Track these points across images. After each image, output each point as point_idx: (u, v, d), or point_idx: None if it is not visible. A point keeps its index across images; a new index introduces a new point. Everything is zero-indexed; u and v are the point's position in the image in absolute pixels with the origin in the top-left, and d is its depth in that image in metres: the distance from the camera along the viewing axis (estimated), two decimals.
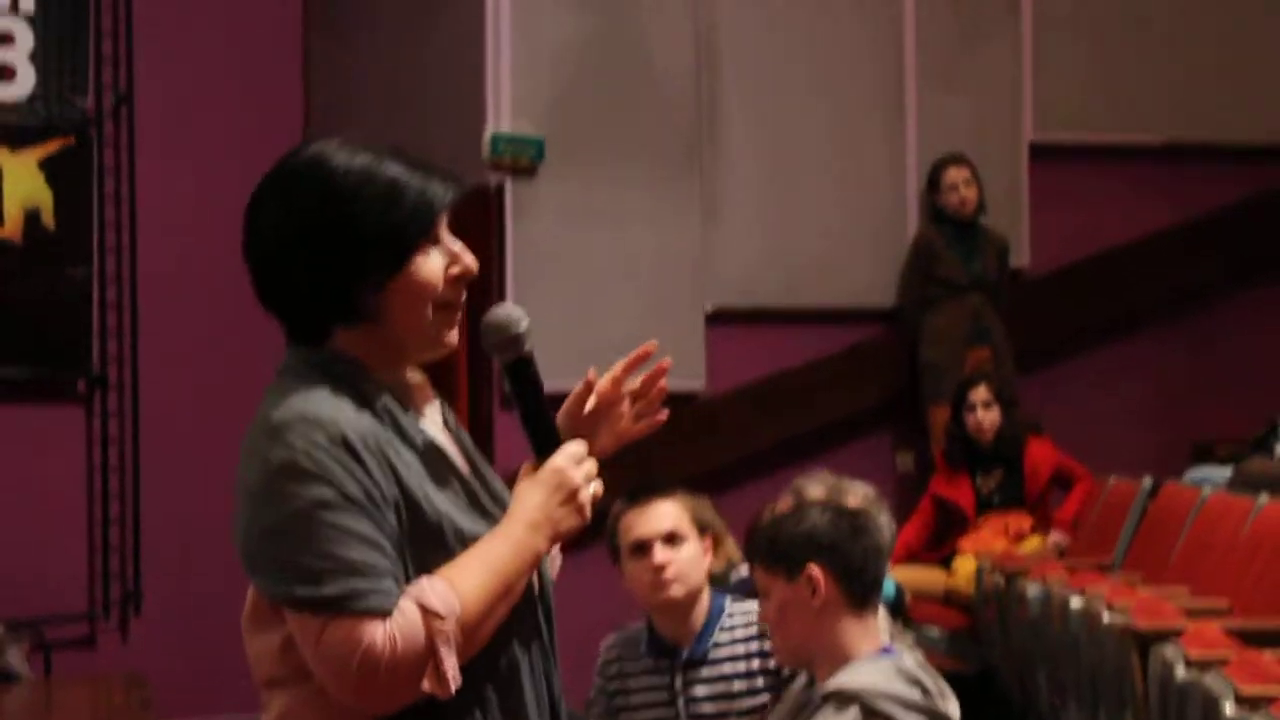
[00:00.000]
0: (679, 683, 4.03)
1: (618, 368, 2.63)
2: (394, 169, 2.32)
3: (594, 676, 4.19)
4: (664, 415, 2.66)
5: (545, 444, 2.41)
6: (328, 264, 2.29)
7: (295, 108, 8.26)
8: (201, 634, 7.39)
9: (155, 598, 7.63)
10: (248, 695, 2.74)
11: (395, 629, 2.18)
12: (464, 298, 2.40)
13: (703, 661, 4.03)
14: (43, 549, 7.49)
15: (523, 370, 2.42)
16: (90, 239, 7.65)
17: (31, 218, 7.57)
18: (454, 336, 2.40)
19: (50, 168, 7.59)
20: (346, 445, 2.21)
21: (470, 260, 2.39)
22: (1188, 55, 9.10)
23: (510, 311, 2.42)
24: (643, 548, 4.03)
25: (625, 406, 2.66)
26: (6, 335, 7.50)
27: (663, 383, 2.65)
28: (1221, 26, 9.14)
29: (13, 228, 7.53)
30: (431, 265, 2.34)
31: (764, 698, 3.98)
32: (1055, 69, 8.95)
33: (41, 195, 7.58)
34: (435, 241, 2.35)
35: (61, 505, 7.56)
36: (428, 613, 2.20)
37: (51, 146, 7.60)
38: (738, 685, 4.01)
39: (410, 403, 2.40)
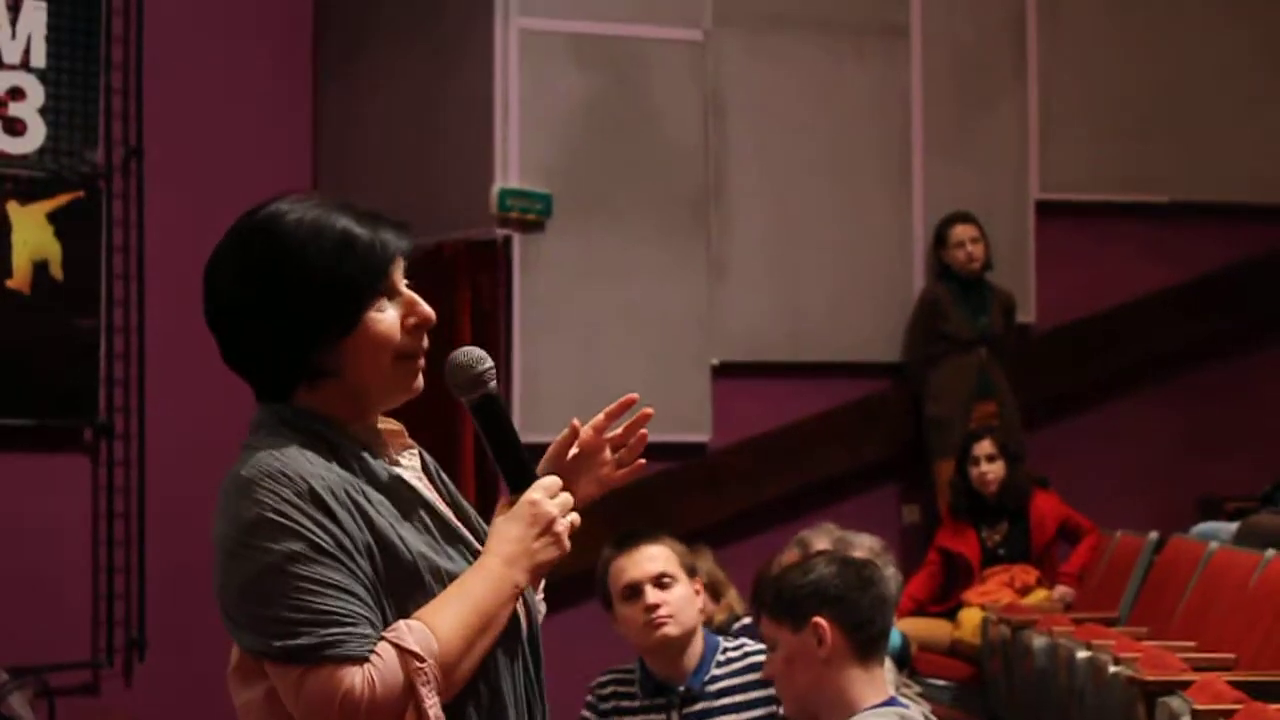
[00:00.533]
0: (676, 718, 4.04)
1: (600, 416, 2.66)
2: (343, 220, 2.35)
3: (583, 711, 4.19)
4: (643, 463, 2.69)
5: (519, 479, 2.43)
6: (284, 325, 2.32)
7: (304, 161, 8.30)
8: (205, 681, 7.33)
9: (159, 645, 7.62)
10: None
11: (373, 673, 2.21)
12: (425, 345, 2.42)
13: (700, 696, 4.04)
14: (47, 596, 7.48)
15: (489, 408, 2.45)
16: (99, 290, 7.67)
17: (40, 269, 7.59)
18: (418, 383, 2.42)
19: (59, 220, 7.61)
20: (315, 498, 2.25)
21: (426, 310, 2.40)
22: (1192, 115, 9.13)
23: (472, 351, 2.45)
24: (635, 591, 4.06)
25: (607, 454, 2.69)
26: (14, 384, 7.51)
27: (644, 430, 2.68)
28: (1226, 87, 9.18)
29: (21, 279, 7.55)
30: (387, 318, 2.36)
31: None
32: (1061, 130, 8.99)
33: (50, 247, 7.60)
34: (390, 294, 2.38)
35: (67, 552, 7.56)
36: (406, 654, 2.23)
37: (61, 199, 7.62)
38: (737, 718, 4.01)
39: (382, 450, 2.43)
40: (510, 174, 7.98)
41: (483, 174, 7.96)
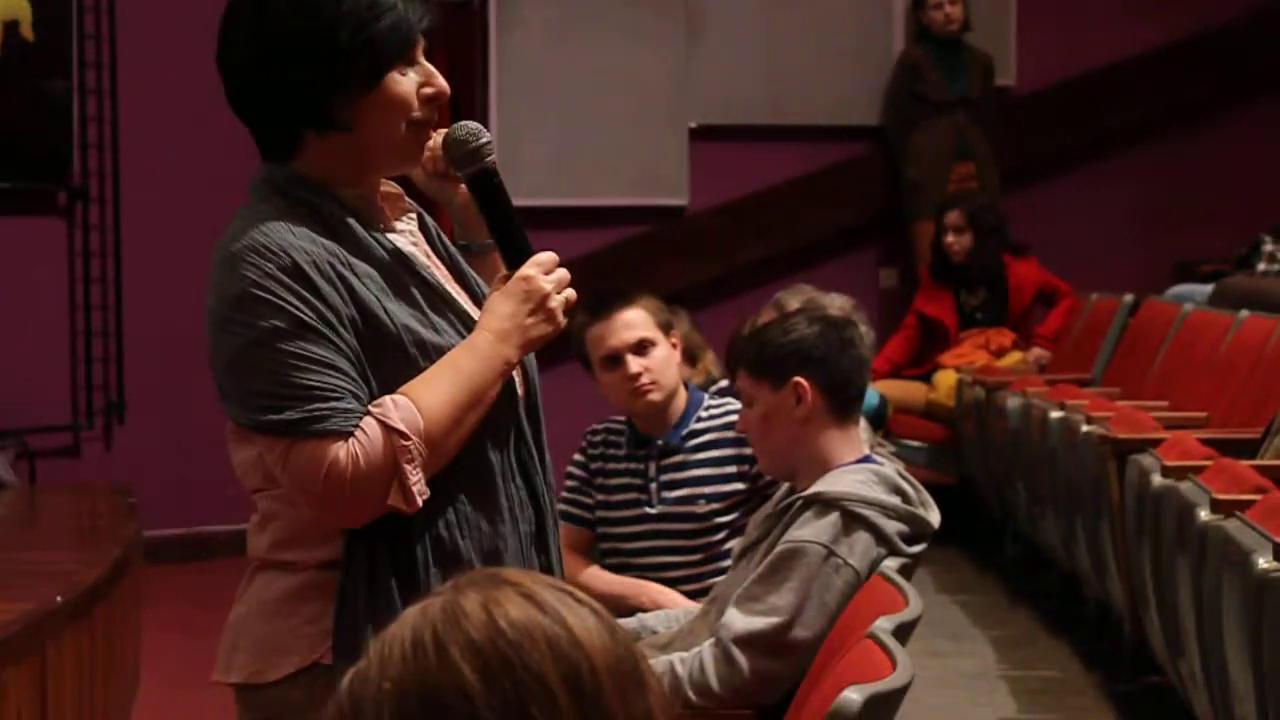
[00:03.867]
0: (653, 469, 4.11)
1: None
2: None
3: (574, 455, 4.25)
4: None
5: (516, 255, 2.42)
6: (303, 70, 2.30)
7: None
8: (185, 444, 7.43)
9: (138, 408, 7.66)
10: (231, 503, 2.78)
11: (358, 448, 2.23)
12: (435, 119, 2.40)
13: (678, 450, 4.10)
14: (26, 360, 7.49)
15: (487, 182, 2.44)
16: (70, 51, 7.57)
17: (10, 29, 7.48)
18: (424, 154, 2.42)
19: None
20: (298, 272, 2.25)
21: (443, 83, 2.39)
22: None
23: (470, 125, 2.44)
24: (615, 359, 4.08)
25: None
26: None
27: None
28: None
29: None
30: (406, 82, 2.34)
31: (736, 485, 4.05)
32: None
33: (19, 7, 7.48)
34: (411, 62, 2.36)
35: (44, 317, 7.56)
36: (390, 431, 2.24)
37: None
38: (710, 471, 4.07)
39: (378, 216, 2.42)
40: None
41: None
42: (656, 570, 4.10)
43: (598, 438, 4.25)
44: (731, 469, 4.05)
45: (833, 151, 8.69)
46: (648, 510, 4.11)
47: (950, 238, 7.93)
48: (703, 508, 4.07)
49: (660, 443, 4.12)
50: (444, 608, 1.38)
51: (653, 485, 4.11)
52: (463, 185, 2.51)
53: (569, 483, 4.25)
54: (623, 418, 4.23)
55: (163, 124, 7.65)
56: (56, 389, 7.58)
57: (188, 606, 6.50)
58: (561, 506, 4.17)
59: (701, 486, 4.07)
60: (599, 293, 4.20)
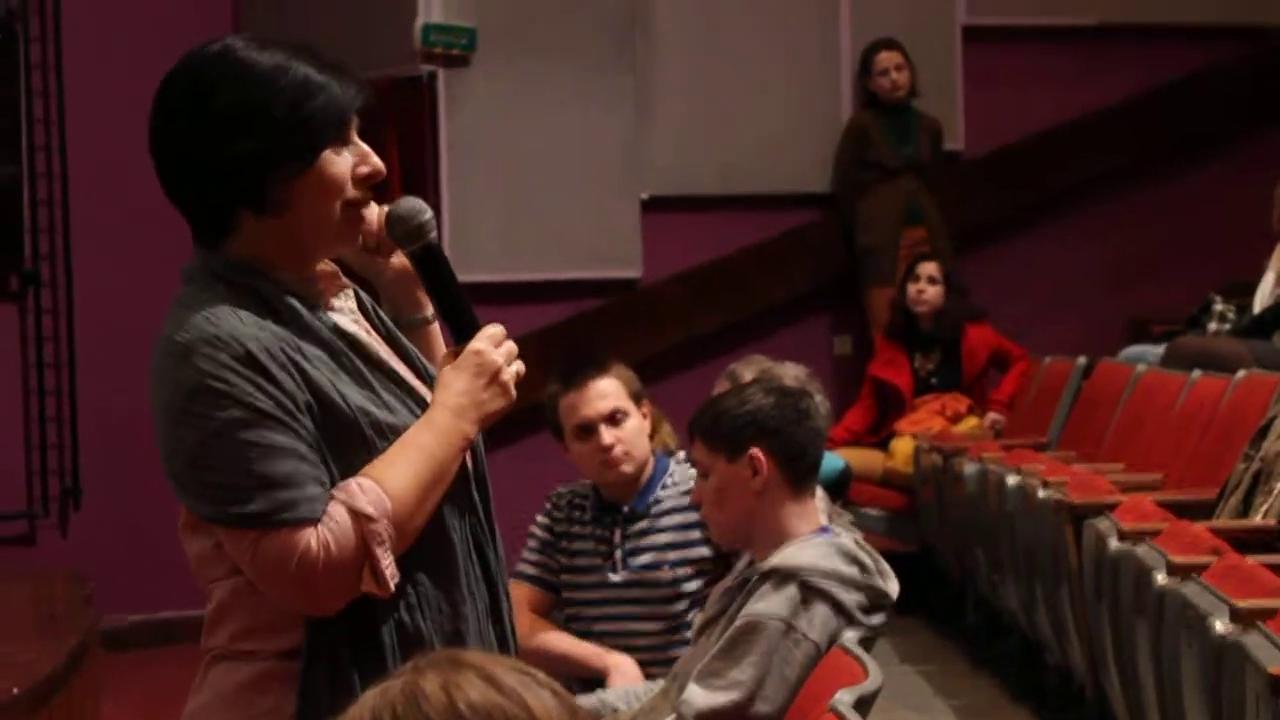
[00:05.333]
0: (618, 535, 4.11)
1: None
2: (305, 68, 2.32)
3: (537, 516, 4.25)
4: None
5: (464, 329, 2.42)
6: (238, 151, 2.28)
7: (225, 1, 8.17)
8: (141, 529, 7.39)
9: (94, 494, 7.62)
10: (189, 589, 2.75)
11: (327, 534, 2.23)
12: (370, 199, 2.40)
13: (644, 515, 4.09)
14: None
15: (431, 258, 2.44)
16: (19, 136, 7.57)
17: None
18: (360, 235, 2.41)
19: None
20: (252, 361, 2.24)
21: (378, 163, 2.39)
22: None
23: (412, 202, 2.44)
24: (588, 429, 4.08)
25: None
26: None
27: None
28: None
29: None
30: (340, 163, 2.34)
31: (702, 550, 4.05)
32: None
33: None
34: (345, 142, 2.35)
35: None
36: (359, 515, 2.24)
37: None
38: (675, 537, 4.08)
39: (318, 297, 2.41)
40: (433, 8, 7.89)
41: (406, 9, 7.86)
42: (619, 638, 4.09)
43: (563, 500, 4.24)
44: (696, 534, 4.05)
45: (784, 219, 8.72)
46: (611, 577, 4.11)
47: (923, 285, 7.95)
48: (668, 574, 4.07)
49: (626, 509, 4.12)
50: (404, 690, 1.38)
51: (618, 552, 4.11)
52: (393, 260, 2.51)
53: (531, 543, 4.24)
54: (587, 483, 4.23)
55: (113, 207, 7.64)
56: (11, 476, 7.53)
57: (148, 694, 6.45)
58: (524, 568, 4.18)
59: (667, 552, 4.08)
60: (572, 361, 4.20)
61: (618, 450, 4.06)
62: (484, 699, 1.37)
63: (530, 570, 4.20)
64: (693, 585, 4.05)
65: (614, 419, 4.08)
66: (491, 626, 2.43)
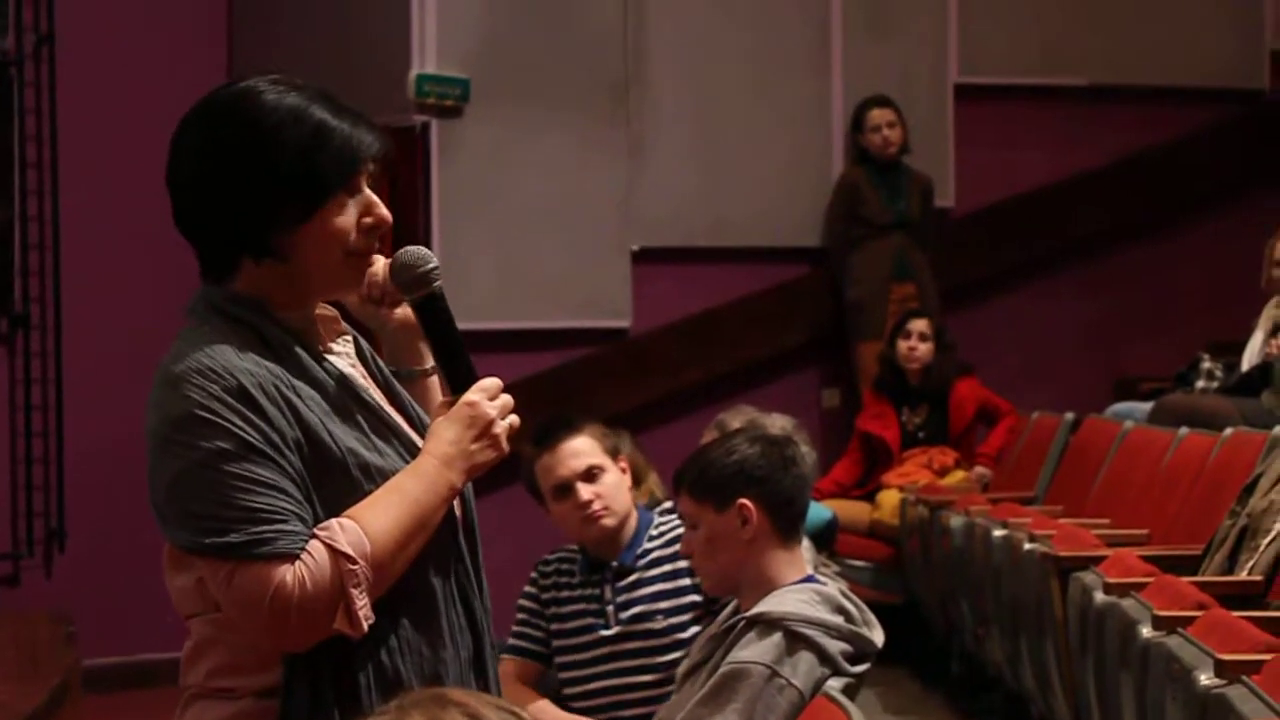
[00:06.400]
0: (609, 592, 4.10)
1: None
2: (321, 113, 2.34)
3: (525, 587, 4.24)
4: None
5: (461, 380, 2.43)
6: (243, 198, 2.30)
7: (219, 48, 8.20)
8: (126, 571, 7.36)
9: (79, 536, 7.61)
10: (171, 632, 2.75)
11: (304, 571, 2.23)
12: (375, 248, 2.41)
13: (632, 570, 4.09)
14: None
15: (434, 307, 2.45)
16: (11, 180, 7.58)
17: None
18: (363, 283, 2.43)
19: None
20: (243, 394, 2.25)
21: (384, 213, 2.39)
22: None
23: (419, 250, 2.45)
24: (565, 489, 4.07)
25: None
26: None
27: None
28: None
29: None
30: (345, 213, 2.35)
31: (693, 597, 4.04)
32: (980, 13, 8.99)
33: None
34: (353, 191, 2.36)
35: None
36: (337, 555, 2.24)
37: None
38: (665, 586, 4.08)
39: (316, 339, 2.42)
40: (428, 59, 7.92)
41: (400, 60, 7.89)
42: (615, 694, 4.07)
43: (550, 568, 4.23)
44: (686, 581, 4.05)
45: (774, 273, 8.74)
46: (604, 633, 4.10)
47: (914, 342, 7.97)
48: (660, 623, 4.06)
49: (615, 564, 4.11)
50: None
51: (609, 608, 4.10)
52: (396, 311, 2.52)
53: (519, 615, 4.23)
54: (575, 546, 4.22)
55: (104, 251, 7.66)
56: None
57: None
58: (511, 640, 4.16)
59: (658, 602, 4.07)
60: (544, 423, 4.19)
61: (597, 505, 4.06)
62: None
63: (517, 643, 4.19)
64: (687, 634, 4.04)
65: (590, 475, 4.08)
66: (474, 679, 2.43)
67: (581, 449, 4.09)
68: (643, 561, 4.11)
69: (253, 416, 2.24)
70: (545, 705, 4.10)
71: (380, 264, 2.45)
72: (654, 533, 4.15)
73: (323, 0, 8.20)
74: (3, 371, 7.60)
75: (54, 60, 7.69)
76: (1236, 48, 9.31)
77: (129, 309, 7.56)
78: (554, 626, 4.17)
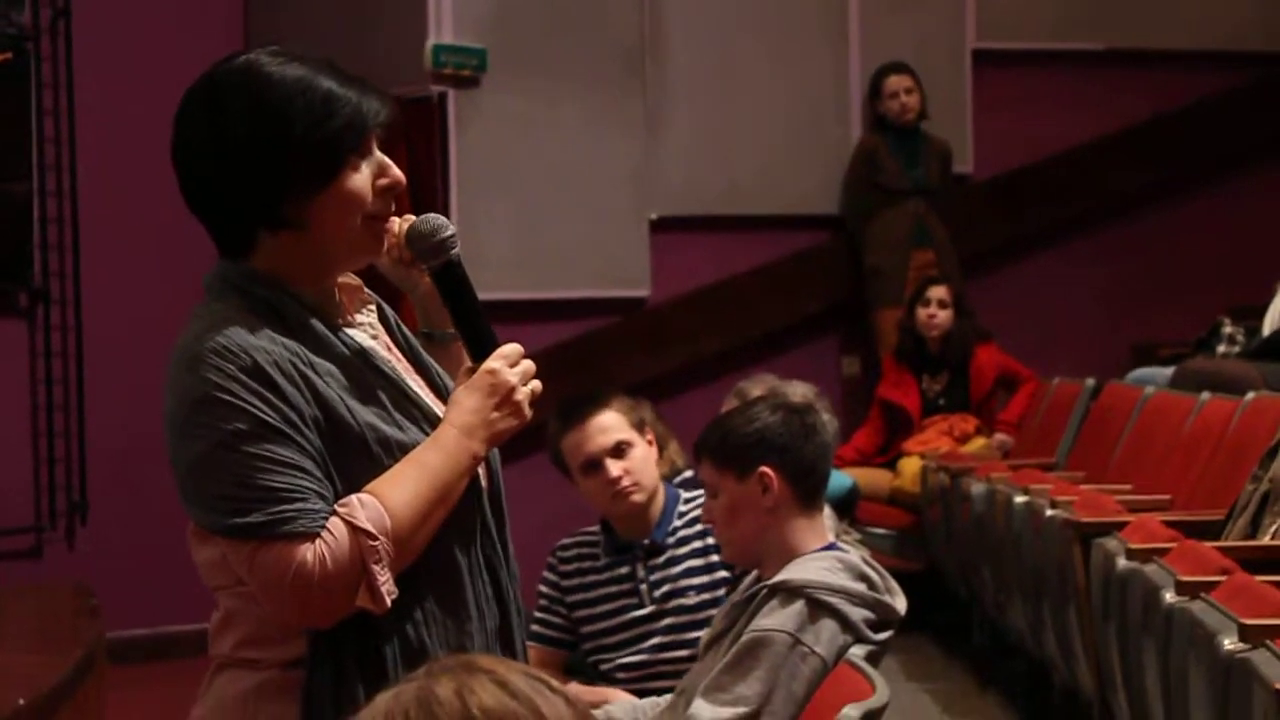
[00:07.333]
0: (641, 571, 4.08)
1: None
2: (328, 82, 2.32)
3: (544, 573, 4.23)
4: None
5: (481, 348, 2.41)
6: (256, 170, 2.29)
7: (235, 21, 8.19)
8: (148, 543, 7.39)
9: (101, 508, 7.63)
10: (194, 603, 2.77)
11: (324, 549, 2.22)
12: (392, 210, 2.40)
13: (664, 548, 4.07)
14: None
15: (451, 275, 2.43)
16: (29, 154, 7.58)
17: None
18: (383, 247, 2.41)
19: None
20: (259, 373, 2.24)
21: (398, 173, 2.38)
22: None
23: (434, 219, 2.44)
24: (594, 464, 4.05)
25: None
26: None
27: None
28: None
29: None
30: (361, 177, 2.33)
31: (723, 573, 4.03)
32: None
33: None
34: (365, 154, 2.35)
35: (5, 418, 7.53)
36: (357, 531, 2.23)
37: None
38: (697, 562, 4.06)
39: (337, 311, 2.41)
40: (444, 29, 7.91)
41: (416, 30, 7.88)
42: (647, 668, 4.06)
43: (569, 553, 4.20)
44: (715, 557, 4.03)
45: (793, 241, 8.73)
46: (637, 613, 4.08)
47: (934, 309, 7.97)
48: (693, 599, 4.04)
49: (646, 542, 4.09)
50: (417, 694, 1.38)
51: (643, 586, 4.08)
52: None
53: (540, 602, 4.21)
54: (594, 529, 4.20)
55: (122, 224, 7.67)
56: (19, 491, 7.54)
57: (152, 707, 6.44)
58: (532, 627, 4.14)
59: (691, 578, 4.06)
60: (570, 399, 4.16)
61: (626, 481, 4.03)
62: (497, 703, 1.38)
63: (538, 630, 4.17)
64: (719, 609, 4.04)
65: (619, 451, 4.04)
66: (501, 650, 2.42)
67: (609, 424, 4.06)
68: (673, 539, 4.09)
69: (270, 395, 2.24)
70: (572, 687, 4.10)
71: (402, 224, 2.44)
72: (683, 508, 4.13)
73: None
74: (23, 345, 7.61)
75: (70, 34, 7.69)
76: (1254, 11, 9.27)
77: (148, 281, 7.57)
78: (579, 613, 4.14)
